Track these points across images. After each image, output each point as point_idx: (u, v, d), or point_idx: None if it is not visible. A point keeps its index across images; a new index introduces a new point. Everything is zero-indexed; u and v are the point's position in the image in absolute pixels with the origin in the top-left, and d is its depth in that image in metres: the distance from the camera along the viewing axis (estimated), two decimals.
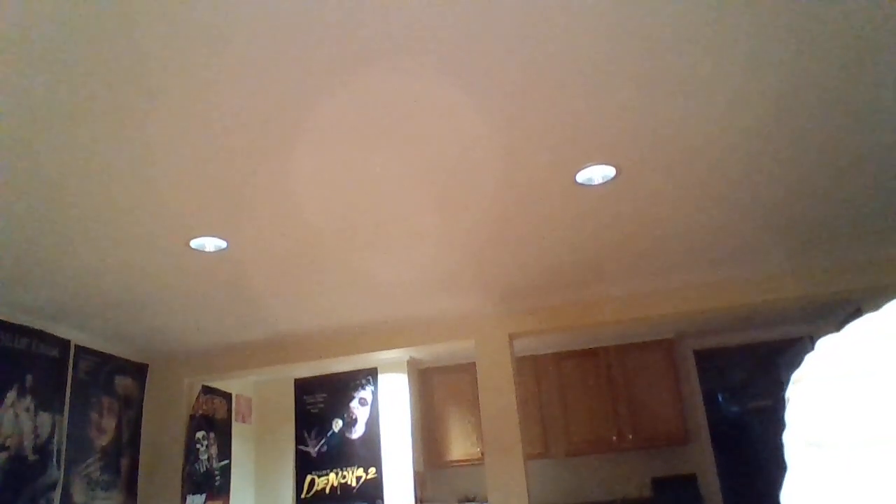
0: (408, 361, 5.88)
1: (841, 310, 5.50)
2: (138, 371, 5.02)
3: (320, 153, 2.51)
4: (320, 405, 5.99)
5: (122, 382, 4.83)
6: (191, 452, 5.08)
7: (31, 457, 3.88)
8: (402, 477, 5.60)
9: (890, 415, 0.46)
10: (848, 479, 0.46)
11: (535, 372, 6.09)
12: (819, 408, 0.51)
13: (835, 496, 0.47)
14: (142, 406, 5.01)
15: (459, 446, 5.95)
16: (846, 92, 2.38)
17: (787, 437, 0.53)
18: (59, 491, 4.07)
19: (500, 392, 4.70)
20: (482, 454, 5.09)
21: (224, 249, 3.29)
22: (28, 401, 3.90)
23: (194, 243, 3.19)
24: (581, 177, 2.86)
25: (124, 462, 4.74)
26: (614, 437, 5.80)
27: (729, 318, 5.60)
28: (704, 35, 2.02)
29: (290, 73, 2.04)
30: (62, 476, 4.11)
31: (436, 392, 6.14)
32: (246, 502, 5.87)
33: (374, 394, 5.86)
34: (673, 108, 2.40)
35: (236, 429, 5.83)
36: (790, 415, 0.53)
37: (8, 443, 3.73)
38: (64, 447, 4.15)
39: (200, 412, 5.30)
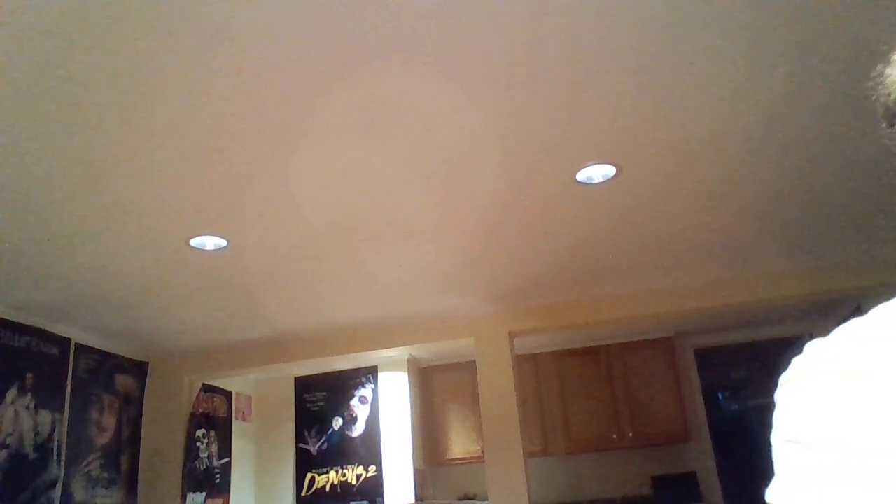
0: (408, 360, 5.88)
1: (841, 308, 5.50)
2: (138, 369, 5.02)
3: (320, 152, 2.51)
4: (320, 403, 5.99)
5: (123, 380, 4.83)
6: (191, 450, 5.08)
7: (32, 455, 3.89)
8: (402, 475, 5.60)
9: (871, 416, 0.46)
10: (833, 480, 0.47)
11: (535, 370, 6.09)
12: (803, 407, 0.51)
13: (819, 496, 0.47)
14: (142, 404, 5.01)
15: (459, 444, 5.96)
16: (846, 92, 2.38)
17: (773, 438, 0.54)
18: (59, 489, 4.07)
19: (500, 390, 4.70)
20: (482, 452, 5.09)
21: (224, 248, 3.29)
22: (28, 399, 3.90)
23: (194, 242, 3.19)
24: (581, 176, 2.86)
25: (124, 460, 4.74)
26: (614, 435, 5.80)
27: (729, 317, 5.60)
28: (705, 35, 2.02)
29: (290, 73, 2.04)
30: (62, 474, 4.11)
31: (436, 390, 6.15)
32: (246, 500, 5.88)
33: (375, 392, 5.87)
34: (673, 107, 2.39)
35: (236, 427, 5.83)
36: (776, 416, 0.54)
37: (8, 441, 3.73)
38: (64, 445, 4.15)
39: (201, 410, 5.30)
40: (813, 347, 0.54)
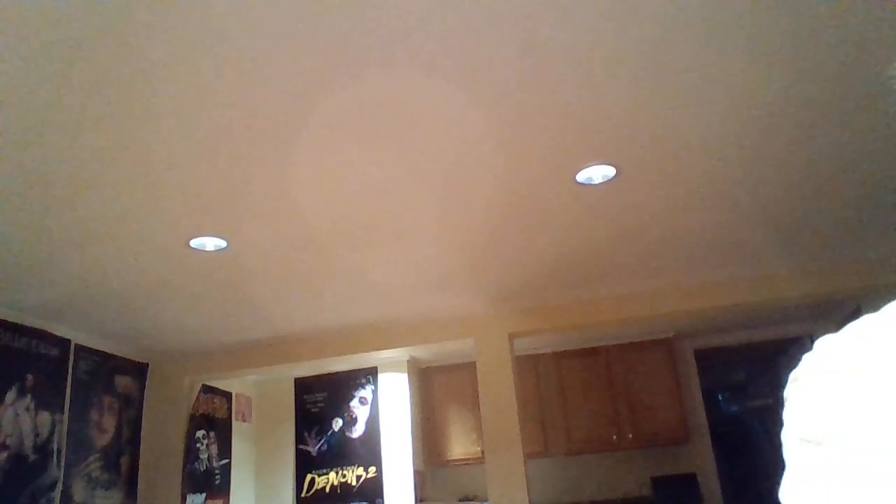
0: (408, 361, 5.88)
1: (841, 309, 5.50)
2: (138, 370, 5.02)
3: (320, 153, 2.51)
4: (320, 404, 5.99)
5: (123, 382, 4.83)
6: (191, 451, 5.08)
7: (32, 456, 3.88)
8: (402, 476, 5.60)
9: (875, 416, 0.46)
10: (841, 478, 0.47)
11: (535, 371, 6.09)
12: (813, 405, 0.51)
13: (828, 494, 0.47)
14: (142, 405, 5.01)
15: (459, 445, 5.96)
16: (846, 92, 2.38)
17: (785, 436, 0.54)
18: (59, 490, 4.07)
19: (499, 391, 4.70)
20: (482, 453, 5.09)
21: (224, 249, 3.29)
22: (28, 400, 3.90)
23: (194, 243, 3.19)
24: (581, 176, 2.86)
25: (124, 461, 4.74)
26: (614, 436, 5.80)
27: (729, 318, 5.60)
28: (704, 35, 2.02)
29: (290, 74, 2.04)
30: (62, 475, 4.11)
31: (436, 391, 6.14)
32: (246, 501, 5.87)
33: (375, 393, 5.86)
34: (673, 108, 2.39)
35: (236, 428, 5.83)
36: (787, 413, 0.54)
37: (8, 442, 3.73)
38: (64, 446, 4.15)
39: (200, 411, 5.30)
40: (823, 344, 0.54)
